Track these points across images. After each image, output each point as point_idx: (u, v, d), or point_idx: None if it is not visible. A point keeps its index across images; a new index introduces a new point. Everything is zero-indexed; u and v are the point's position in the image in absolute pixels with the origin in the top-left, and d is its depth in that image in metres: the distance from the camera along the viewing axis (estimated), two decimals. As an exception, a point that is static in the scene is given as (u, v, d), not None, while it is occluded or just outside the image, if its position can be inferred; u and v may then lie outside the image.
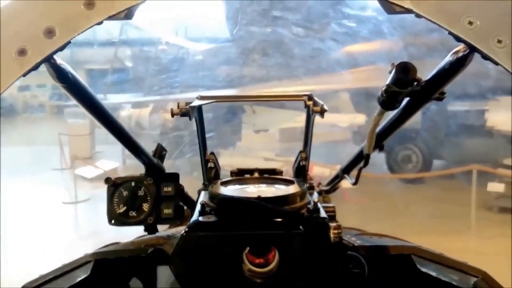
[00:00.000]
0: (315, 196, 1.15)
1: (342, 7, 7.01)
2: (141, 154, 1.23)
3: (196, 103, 1.22)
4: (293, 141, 8.12)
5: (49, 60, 0.71)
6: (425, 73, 0.94)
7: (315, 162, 5.78)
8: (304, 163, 1.25)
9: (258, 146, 8.28)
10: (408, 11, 0.69)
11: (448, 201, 6.78)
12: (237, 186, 1.15)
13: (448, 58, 0.85)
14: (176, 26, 8.11)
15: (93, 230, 6.23)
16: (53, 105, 12.53)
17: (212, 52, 7.63)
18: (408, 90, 0.86)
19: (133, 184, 1.24)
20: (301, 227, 0.96)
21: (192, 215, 1.37)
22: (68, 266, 1.01)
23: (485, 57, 0.68)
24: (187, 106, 1.17)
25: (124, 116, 8.25)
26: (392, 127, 1.15)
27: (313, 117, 1.25)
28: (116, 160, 8.85)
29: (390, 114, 1.11)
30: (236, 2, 7.13)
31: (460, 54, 0.81)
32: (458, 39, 0.68)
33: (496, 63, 0.67)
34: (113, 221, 1.24)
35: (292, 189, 1.08)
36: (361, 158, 1.26)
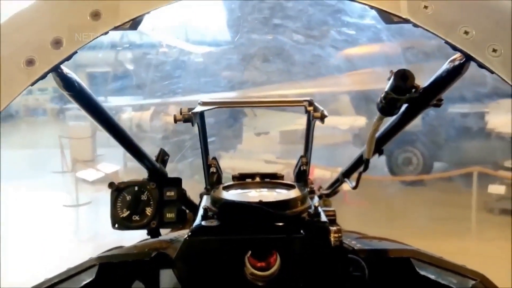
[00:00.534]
0: (316, 200, 1.16)
1: (341, 16, 7.07)
2: (144, 159, 1.25)
3: (198, 109, 1.24)
4: (294, 143, 8.14)
5: (56, 70, 0.72)
6: (422, 77, 0.96)
7: (315, 164, 5.80)
8: (305, 168, 1.27)
9: (259, 148, 8.29)
10: (406, 21, 0.70)
11: (448, 203, 6.78)
12: (239, 191, 1.17)
13: (445, 66, 0.87)
14: (177, 29, 8.14)
15: (94, 234, 6.23)
16: (54, 108, 12.55)
17: (213, 55, 7.66)
18: (407, 97, 0.89)
19: (136, 188, 1.26)
20: (302, 231, 0.98)
21: (194, 219, 1.39)
22: (73, 270, 1.02)
23: (481, 65, 0.70)
24: (190, 112, 1.18)
25: (125, 119, 8.25)
26: (391, 133, 1.17)
27: (313, 122, 1.27)
28: (117, 163, 8.85)
29: (389, 120, 1.13)
30: (238, 10, 7.18)
31: (457, 63, 0.83)
32: (455, 48, 0.70)
33: (492, 72, 0.69)
34: (116, 225, 1.25)
35: (293, 193, 1.10)
36: (361, 163, 1.28)
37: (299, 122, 7.53)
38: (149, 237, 1.33)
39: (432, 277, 1.00)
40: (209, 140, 1.44)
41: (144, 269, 1.06)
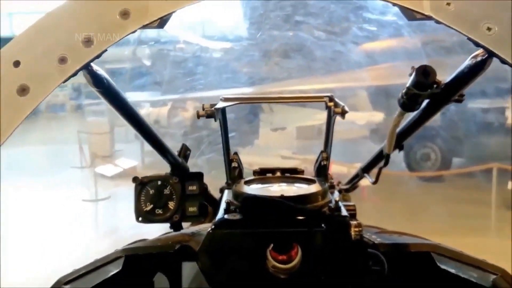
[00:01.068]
0: (336, 195, 1.18)
1: (363, 12, 7.06)
2: (167, 153, 1.27)
3: (220, 105, 1.26)
4: (310, 139, 8.13)
5: (87, 67, 0.75)
6: (443, 72, 0.97)
7: (333, 160, 5.77)
8: (325, 163, 1.28)
9: (276, 144, 8.30)
10: (428, 17, 0.71)
11: (467, 200, 6.70)
12: (260, 185, 1.19)
13: (467, 62, 0.87)
14: (194, 25, 8.18)
15: (113, 228, 6.31)
16: (74, 104, 12.70)
17: (233, 52, 7.69)
18: (428, 93, 0.89)
19: (159, 183, 1.29)
20: (323, 225, 0.99)
21: (214, 214, 1.41)
22: (100, 261, 1.05)
23: (503, 61, 0.70)
24: (212, 108, 1.21)
25: (143, 114, 8.27)
26: (412, 128, 1.17)
27: (333, 118, 1.28)
28: (135, 159, 8.95)
29: (410, 115, 1.13)
30: (260, 8, 7.21)
31: (479, 58, 0.83)
32: (477, 44, 0.71)
33: None
34: (140, 219, 1.29)
35: (314, 188, 1.11)
36: (381, 158, 1.28)
37: (317, 117, 7.52)
38: (171, 231, 1.36)
39: (453, 271, 1.00)
40: (230, 135, 1.46)
41: (167, 262, 1.08)
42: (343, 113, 1.18)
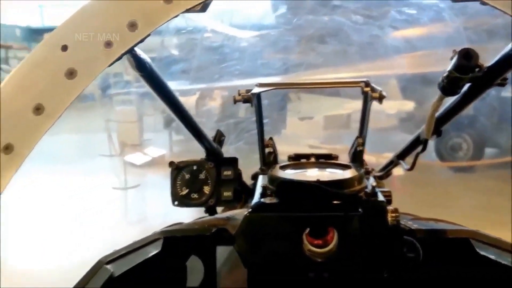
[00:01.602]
0: (372, 180, 1.17)
1: (403, -6, 6.90)
2: (203, 139, 1.29)
3: (256, 90, 1.27)
4: (338, 128, 8.06)
5: (131, 51, 0.76)
6: (486, 57, 0.94)
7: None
8: (361, 148, 1.27)
9: (303, 133, 8.26)
10: None
11: (499, 191, 6.52)
12: (296, 170, 1.19)
13: None
14: (221, 14, 8.17)
15: (142, 216, 6.42)
16: (102, 93, 12.91)
17: (266, 37, 7.61)
18: (470, 76, 0.88)
19: (194, 167, 1.32)
20: (359, 209, 0.99)
21: (246, 200, 1.43)
22: (139, 243, 1.08)
23: None
24: (249, 93, 1.22)
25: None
26: (451, 113, 1.16)
27: (370, 103, 1.27)
28: (163, 148, 9.05)
29: (450, 100, 1.12)
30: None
31: None
32: None
33: None
34: (176, 203, 1.32)
35: (350, 173, 1.11)
36: (418, 144, 1.27)
37: (345, 106, 7.45)
38: (203, 217, 1.38)
39: (493, 257, 0.99)
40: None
41: (203, 245, 1.10)
42: (380, 98, 1.18)
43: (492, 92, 6.00)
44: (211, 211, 1.38)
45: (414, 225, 1.10)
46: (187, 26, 8.26)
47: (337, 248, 0.98)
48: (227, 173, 1.34)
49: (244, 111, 7.22)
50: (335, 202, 1.00)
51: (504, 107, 7.42)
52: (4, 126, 0.66)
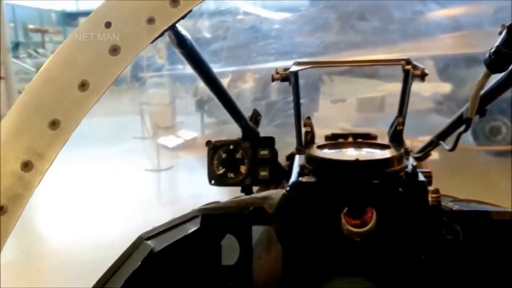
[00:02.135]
0: (412, 161, 1.15)
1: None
2: (240, 118, 1.29)
3: (294, 68, 1.26)
4: (371, 111, 7.92)
5: (172, 28, 0.76)
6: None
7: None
8: (401, 128, 1.25)
9: (335, 116, 8.16)
10: None
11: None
12: (334, 150, 1.18)
13: None
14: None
15: (175, 198, 6.50)
16: (135, 76, 13.07)
17: (301, 18, 7.47)
18: None
19: (231, 147, 1.32)
20: (400, 189, 0.97)
21: (280, 180, 1.42)
22: (178, 220, 1.10)
23: None
24: (287, 72, 1.21)
25: (204, 86, 8.40)
26: (497, 91, 1.12)
27: (410, 82, 1.24)
28: (195, 130, 9.12)
29: (495, 78, 1.08)
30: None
31: None
32: None
33: None
34: (213, 182, 1.33)
35: (389, 153, 1.09)
36: (460, 123, 1.23)
37: (379, 89, 7.30)
38: (238, 196, 1.39)
39: None
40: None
41: (239, 223, 1.11)
42: (422, 76, 1.15)
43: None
44: (247, 190, 1.38)
45: (455, 206, 1.08)
46: (219, 7, 8.22)
47: (375, 228, 0.97)
48: (264, 152, 1.34)
49: (276, 94, 7.17)
50: (374, 181, 0.99)
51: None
52: (50, 103, 0.67)
